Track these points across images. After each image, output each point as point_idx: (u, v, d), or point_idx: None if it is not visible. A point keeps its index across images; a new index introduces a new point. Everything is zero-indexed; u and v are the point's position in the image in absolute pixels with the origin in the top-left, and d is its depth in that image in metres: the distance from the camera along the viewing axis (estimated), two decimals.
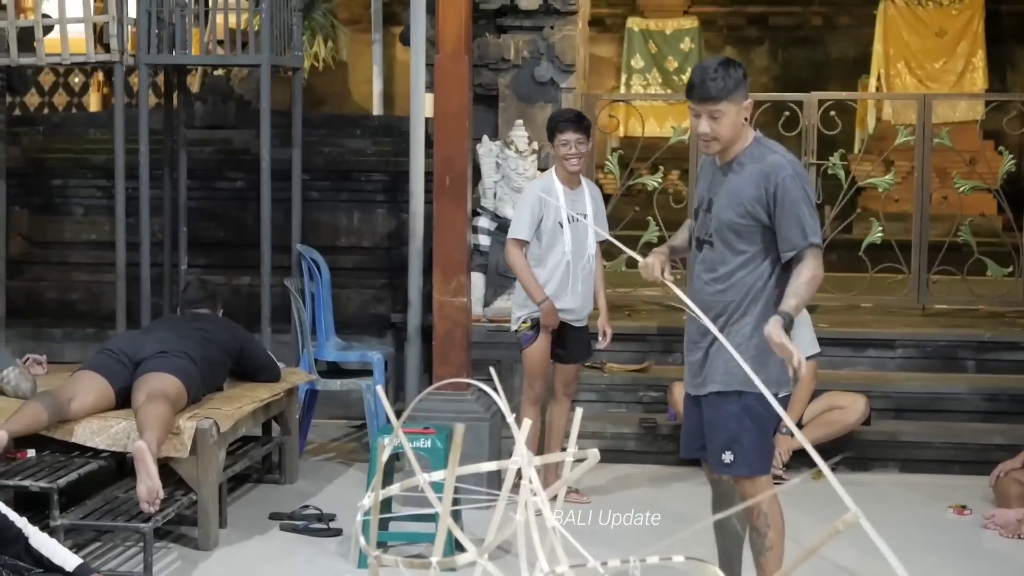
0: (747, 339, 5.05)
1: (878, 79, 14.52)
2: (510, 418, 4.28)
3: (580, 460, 4.13)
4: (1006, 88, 14.89)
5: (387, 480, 6.36)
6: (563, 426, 7.17)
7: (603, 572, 3.77)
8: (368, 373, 8.40)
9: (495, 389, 4.11)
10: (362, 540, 4.45)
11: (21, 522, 5.19)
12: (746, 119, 5.08)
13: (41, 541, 5.18)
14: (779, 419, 5.35)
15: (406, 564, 4.61)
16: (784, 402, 6.40)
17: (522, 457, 4.42)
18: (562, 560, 4.04)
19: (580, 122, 7.11)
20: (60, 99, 13.73)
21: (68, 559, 5.16)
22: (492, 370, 4.87)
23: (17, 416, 6.37)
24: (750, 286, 5.06)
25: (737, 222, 5.04)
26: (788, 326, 4.85)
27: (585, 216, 7.09)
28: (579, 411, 5.00)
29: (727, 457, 5.13)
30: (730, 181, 5.07)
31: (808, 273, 4.94)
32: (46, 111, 12.97)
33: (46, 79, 13.10)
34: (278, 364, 7.64)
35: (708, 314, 5.09)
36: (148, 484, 6.02)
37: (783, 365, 5.04)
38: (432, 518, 6.26)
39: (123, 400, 6.67)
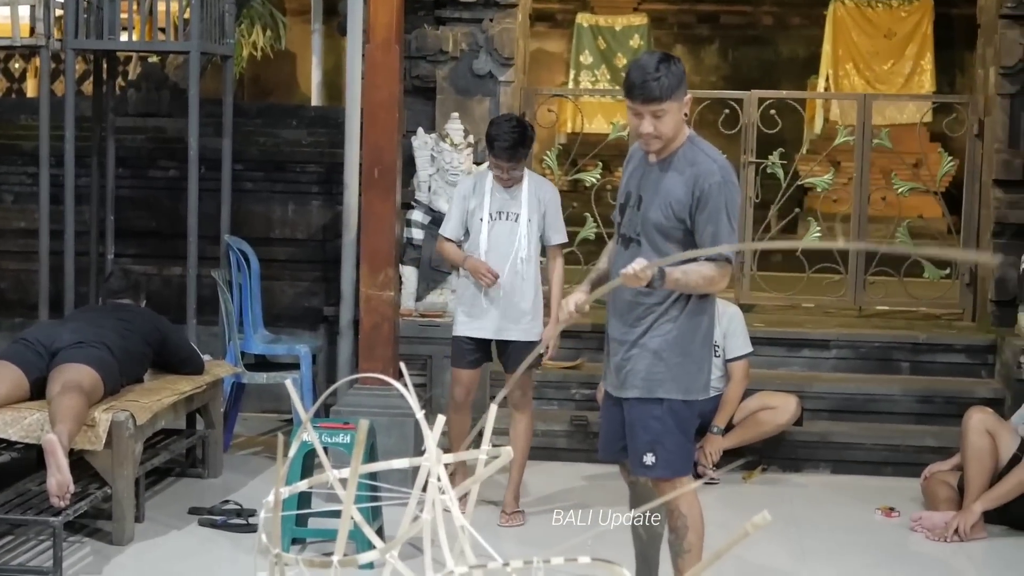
0: (670, 344, 5.01)
1: (827, 80, 14.48)
2: (419, 414, 4.20)
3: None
4: (955, 92, 14.88)
5: (306, 475, 6.25)
6: (520, 435, 7.00)
7: (508, 572, 3.68)
8: (296, 367, 8.30)
9: (409, 386, 4.04)
10: (263, 537, 4.38)
11: None
12: (685, 114, 5.02)
13: None
14: (699, 421, 5.30)
15: (306, 563, 4.52)
16: (706, 405, 6.38)
17: (431, 455, 4.35)
18: (469, 559, 3.96)
19: (515, 152, 6.78)
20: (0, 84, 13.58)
21: None
22: (403, 366, 4.79)
23: None
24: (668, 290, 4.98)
25: (664, 224, 4.98)
26: (654, 281, 4.74)
27: (518, 216, 6.91)
28: (493, 408, 4.91)
29: (648, 459, 5.07)
30: (661, 180, 5.00)
31: (708, 272, 4.89)
32: None
33: None
34: (202, 356, 7.52)
35: (632, 314, 5.04)
36: (58, 478, 5.90)
37: (702, 372, 5.07)
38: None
39: (38, 391, 6.53)
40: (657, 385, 5.01)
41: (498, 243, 6.85)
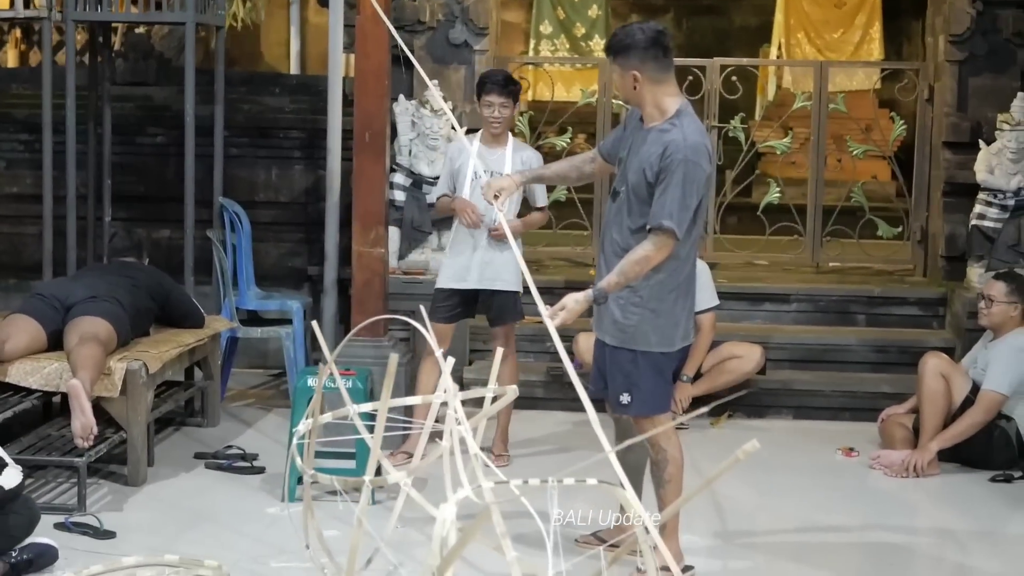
0: (643, 300, 5.41)
1: (779, 48, 14.91)
2: (438, 352, 4.66)
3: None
4: (902, 59, 15.33)
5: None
6: (504, 382, 7.32)
7: (519, 491, 4.14)
8: (287, 322, 8.72)
9: (421, 328, 4.48)
10: (298, 460, 4.83)
11: None
12: (635, 87, 5.38)
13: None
14: (676, 364, 5.72)
15: (340, 482, 4.97)
16: (678, 355, 6.86)
17: (448, 389, 4.80)
18: (484, 483, 4.42)
19: (506, 86, 7.21)
20: None
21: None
22: (421, 308, 5.25)
23: None
24: (629, 233, 5.39)
25: (638, 186, 5.38)
26: (598, 301, 5.30)
27: (502, 175, 7.27)
28: (499, 351, 5.38)
29: (624, 398, 5.52)
30: (642, 145, 5.40)
31: (641, 252, 5.26)
32: None
33: None
34: (202, 312, 7.93)
35: (605, 264, 5.48)
36: (82, 420, 6.32)
37: (678, 325, 5.51)
38: (351, 456, 6.61)
39: (54, 343, 6.94)
40: (630, 338, 5.43)
41: (482, 199, 7.24)
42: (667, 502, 5.58)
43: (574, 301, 5.21)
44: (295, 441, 4.87)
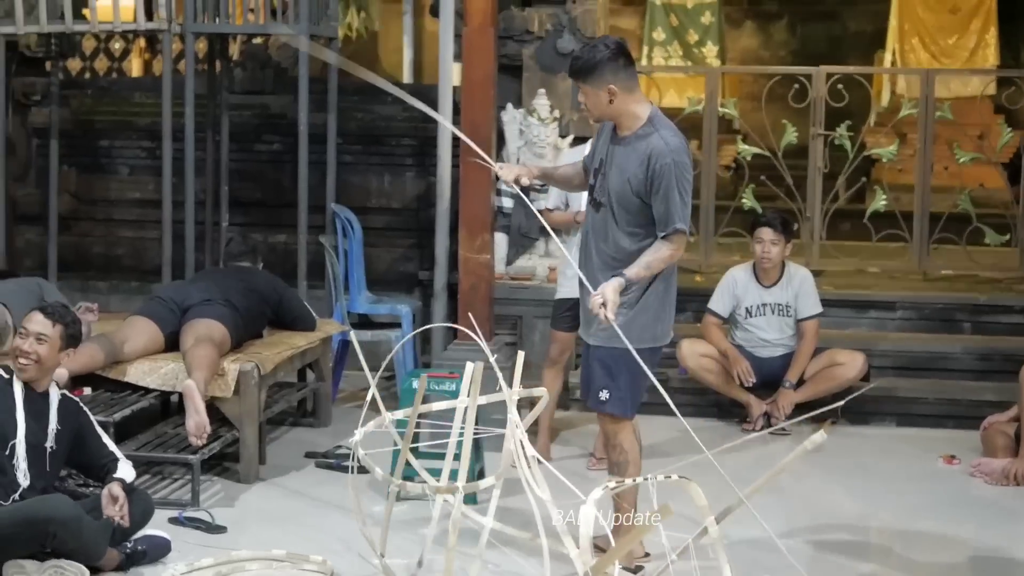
0: (629, 301, 5.53)
1: (893, 54, 14.86)
2: (491, 359, 4.84)
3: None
4: (1019, 65, 15.21)
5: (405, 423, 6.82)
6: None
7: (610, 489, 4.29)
8: (397, 326, 8.93)
9: (480, 341, 4.69)
10: (377, 471, 5.02)
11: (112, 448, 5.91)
12: (611, 101, 5.50)
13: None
14: (653, 371, 5.68)
15: (432, 488, 5.15)
16: (777, 362, 7.01)
17: (506, 393, 4.97)
18: (543, 488, 4.56)
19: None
20: (101, 64, 14.19)
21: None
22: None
23: (75, 355, 6.89)
24: (636, 255, 5.53)
25: (623, 195, 5.54)
26: (625, 289, 5.42)
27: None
28: (521, 354, 5.53)
29: (603, 395, 5.67)
30: (622, 155, 5.54)
31: (666, 252, 5.47)
32: (87, 75, 13.44)
33: (88, 45, 13.56)
34: (314, 315, 8.16)
35: (602, 274, 5.58)
36: (196, 419, 6.58)
37: (660, 320, 5.64)
38: (441, 456, 6.75)
39: (171, 344, 7.21)
40: (615, 337, 5.46)
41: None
42: (626, 501, 5.64)
43: (612, 291, 5.37)
44: (355, 440, 5.11)
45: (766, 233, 8.39)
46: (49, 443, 5.67)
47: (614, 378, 5.64)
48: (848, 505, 7.03)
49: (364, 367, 5.54)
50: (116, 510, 5.56)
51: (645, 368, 5.34)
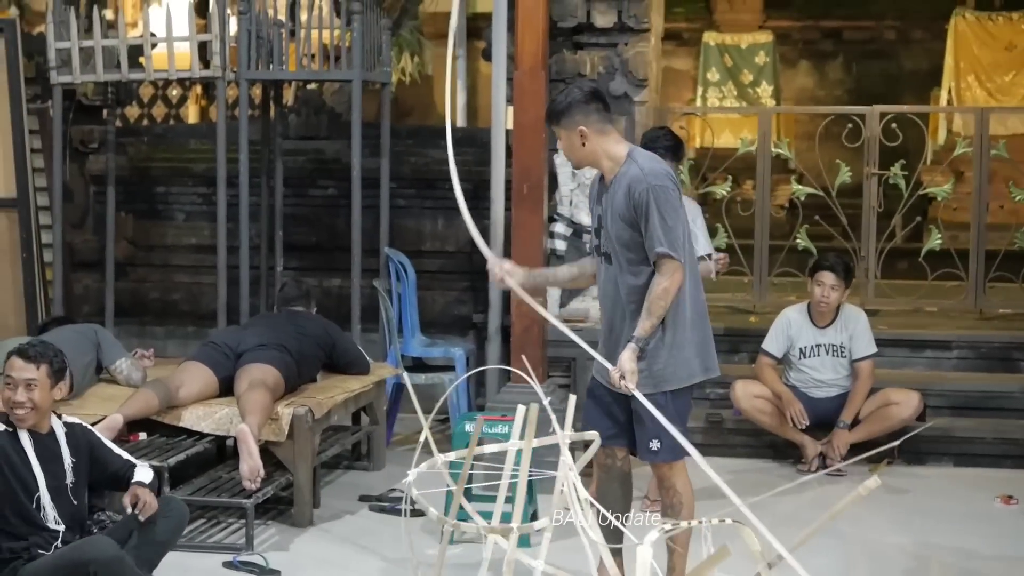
0: (665, 343, 5.49)
1: (949, 92, 14.84)
2: (544, 401, 4.83)
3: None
4: None
5: (459, 465, 6.82)
6: None
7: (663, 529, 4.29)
8: (451, 369, 8.95)
9: (568, 384, 4.69)
10: (431, 511, 5.04)
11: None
12: (583, 144, 5.50)
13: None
14: (691, 407, 5.77)
15: (486, 529, 5.16)
16: (833, 402, 6.98)
17: (560, 436, 4.98)
18: (592, 527, 4.56)
19: (676, 151, 7.27)
20: (158, 111, 14.36)
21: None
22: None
23: (131, 401, 7.00)
24: (631, 289, 5.50)
25: (621, 236, 5.51)
26: (644, 349, 5.39)
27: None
28: (572, 397, 5.52)
29: (654, 445, 5.58)
30: (611, 198, 5.52)
31: (659, 287, 5.37)
32: (145, 122, 13.60)
33: (145, 92, 13.73)
34: (368, 359, 8.20)
35: (627, 318, 5.55)
36: (250, 463, 6.63)
37: (698, 356, 5.57)
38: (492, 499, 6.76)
39: (226, 388, 7.27)
40: (662, 380, 5.49)
41: None
42: (680, 543, 5.62)
43: (628, 360, 5.33)
44: (408, 481, 5.12)
45: (827, 278, 8.35)
46: (68, 479, 5.61)
47: (662, 426, 5.59)
48: (906, 546, 6.99)
49: (418, 410, 5.53)
50: (140, 505, 5.54)
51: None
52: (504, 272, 5.79)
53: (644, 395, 5.53)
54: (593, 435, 5.48)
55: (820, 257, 8.74)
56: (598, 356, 5.51)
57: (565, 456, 4.99)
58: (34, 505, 5.51)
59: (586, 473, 6.24)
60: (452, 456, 5.88)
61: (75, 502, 5.64)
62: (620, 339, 5.55)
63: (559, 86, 9.45)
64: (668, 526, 4.50)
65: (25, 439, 5.55)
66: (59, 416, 5.78)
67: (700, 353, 5.60)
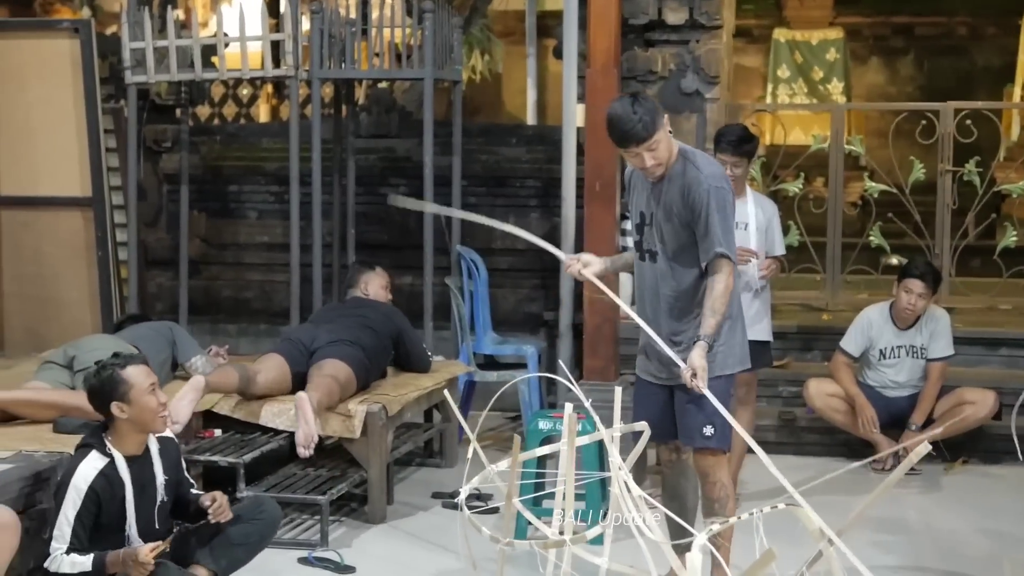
0: (724, 339, 5.55)
1: (1022, 88, 14.69)
2: (586, 403, 4.82)
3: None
4: None
5: (541, 462, 6.84)
6: (744, 424, 7.30)
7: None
8: (523, 366, 8.96)
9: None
10: (485, 531, 5.02)
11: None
12: (670, 131, 5.51)
13: None
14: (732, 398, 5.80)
15: (539, 544, 5.08)
16: (904, 402, 6.94)
17: (604, 434, 4.94)
18: (654, 527, 4.56)
19: (739, 146, 7.19)
20: (229, 110, 14.45)
21: None
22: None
23: (215, 372, 7.11)
24: (699, 286, 5.53)
25: (678, 235, 5.51)
26: (713, 347, 5.42)
27: (747, 225, 7.29)
28: (618, 390, 5.52)
29: (708, 430, 5.59)
30: (663, 195, 5.52)
31: (720, 286, 5.43)
32: (216, 122, 13.69)
33: (216, 91, 13.82)
34: (430, 357, 8.18)
35: (671, 316, 5.62)
36: (305, 430, 6.73)
37: (741, 346, 5.67)
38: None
39: (298, 383, 7.29)
40: (716, 367, 5.51)
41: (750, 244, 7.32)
42: (725, 536, 5.60)
43: (699, 358, 5.36)
44: (463, 493, 5.11)
45: (916, 286, 8.25)
46: (160, 498, 5.44)
47: (715, 411, 5.51)
48: (978, 544, 6.94)
49: (460, 416, 5.54)
50: (215, 508, 5.47)
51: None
52: (581, 264, 5.80)
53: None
54: (642, 425, 5.43)
55: (910, 264, 8.55)
56: (667, 349, 5.51)
57: (614, 456, 4.95)
58: (124, 533, 5.32)
59: (657, 471, 6.24)
60: (503, 465, 5.81)
61: (158, 527, 5.43)
62: (662, 337, 5.58)
63: (630, 84, 9.47)
64: (717, 525, 4.49)
65: (123, 468, 5.28)
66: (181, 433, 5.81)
67: (742, 344, 5.74)
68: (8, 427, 6.50)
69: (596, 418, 5.09)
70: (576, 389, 5.19)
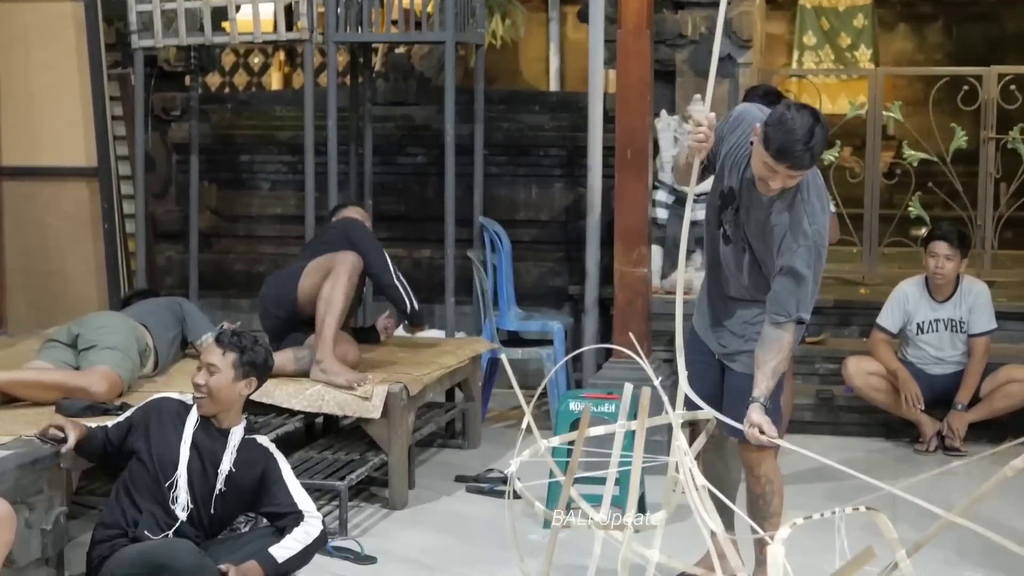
0: (751, 325, 5.27)
1: None
2: (656, 381, 4.49)
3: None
4: None
5: (562, 450, 6.50)
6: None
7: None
8: (548, 343, 8.60)
9: (672, 359, 4.32)
10: (538, 506, 4.71)
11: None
12: None
13: None
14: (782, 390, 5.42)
15: (597, 525, 4.79)
16: (948, 380, 6.55)
17: (672, 417, 4.63)
18: (711, 513, 4.25)
19: (767, 99, 6.83)
20: (240, 79, 14.12)
21: None
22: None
23: None
24: (764, 284, 5.17)
25: (761, 248, 5.13)
26: (768, 406, 5.05)
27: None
28: (684, 374, 5.15)
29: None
30: (765, 213, 5.08)
31: (785, 352, 5.07)
32: (227, 90, 13.37)
33: (227, 59, 13.51)
34: (406, 300, 7.28)
35: (728, 292, 5.33)
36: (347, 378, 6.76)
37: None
38: (602, 481, 6.42)
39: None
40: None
41: None
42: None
43: (758, 415, 5.01)
44: (511, 472, 4.79)
45: (940, 247, 7.93)
46: (219, 484, 5.25)
47: (772, 402, 5.23)
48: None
49: (516, 388, 5.15)
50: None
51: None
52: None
53: (744, 374, 5.28)
54: (706, 413, 5.11)
55: (933, 227, 8.34)
56: (702, 329, 5.30)
57: (679, 440, 4.62)
58: (168, 483, 5.19)
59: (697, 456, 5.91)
60: (556, 441, 5.49)
61: (214, 511, 5.26)
62: (719, 317, 5.39)
63: (658, 48, 9.09)
64: (800, 520, 4.15)
65: (191, 420, 5.29)
66: (249, 427, 5.45)
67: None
68: (8, 409, 6.13)
69: (665, 398, 4.76)
70: (647, 367, 4.85)
